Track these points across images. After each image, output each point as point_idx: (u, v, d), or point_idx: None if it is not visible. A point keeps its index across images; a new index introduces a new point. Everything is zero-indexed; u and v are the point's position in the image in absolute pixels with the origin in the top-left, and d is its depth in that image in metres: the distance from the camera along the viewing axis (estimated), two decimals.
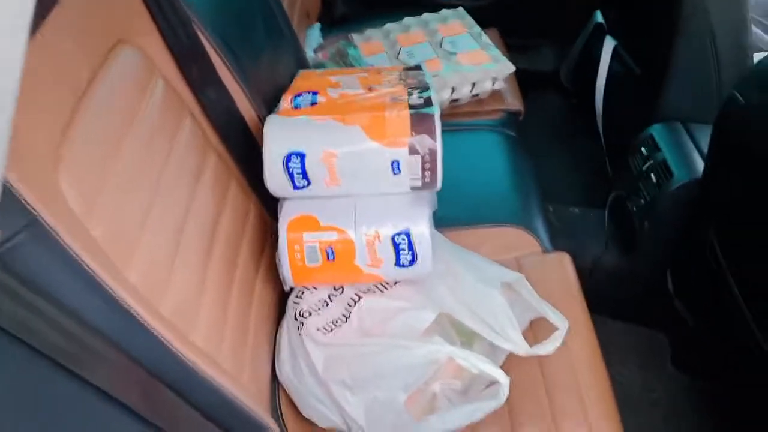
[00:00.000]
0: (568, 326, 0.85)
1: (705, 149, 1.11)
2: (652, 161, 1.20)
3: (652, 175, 1.19)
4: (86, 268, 0.46)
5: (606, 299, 1.17)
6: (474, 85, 1.32)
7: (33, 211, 0.43)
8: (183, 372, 0.56)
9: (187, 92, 0.75)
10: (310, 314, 0.83)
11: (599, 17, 1.56)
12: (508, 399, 0.74)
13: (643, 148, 1.24)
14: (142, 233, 0.59)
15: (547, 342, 0.81)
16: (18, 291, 0.40)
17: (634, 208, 1.24)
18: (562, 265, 1.03)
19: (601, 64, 1.44)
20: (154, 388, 0.53)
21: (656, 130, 1.23)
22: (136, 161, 0.61)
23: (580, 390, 0.87)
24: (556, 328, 0.85)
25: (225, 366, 0.66)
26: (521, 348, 0.79)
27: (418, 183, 0.79)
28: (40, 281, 0.42)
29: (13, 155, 0.27)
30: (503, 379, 0.71)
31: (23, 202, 0.42)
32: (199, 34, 0.77)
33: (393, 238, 0.78)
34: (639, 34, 1.38)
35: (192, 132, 0.74)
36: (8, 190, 0.40)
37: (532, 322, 0.91)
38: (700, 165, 1.13)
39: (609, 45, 1.44)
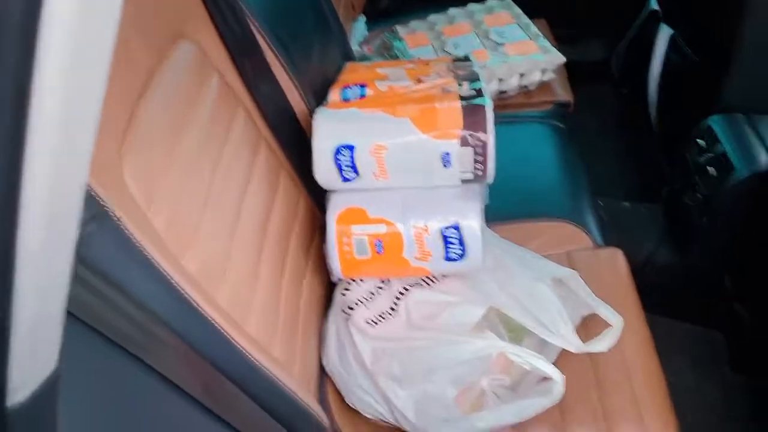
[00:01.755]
0: (623, 324, 0.82)
1: None
2: (710, 154, 1.15)
3: (711, 168, 1.14)
4: (148, 257, 0.47)
5: (659, 297, 1.13)
6: (522, 76, 1.30)
7: (101, 202, 0.44)
8: (238, 360, 0.57)
9: (240, 86, 0.76)
10: (357, 306, 0.83)
11: (654, 4, 1.50)
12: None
13: (700, 140, 1.19)
14: (199, 224, 0.60)
15: (601, 339, 0.79)
16: (88, 279, 0.41)
17: (691, 203, 1.19)
18: (615, 260, 1.00)
19: (655, 52, 1.39)
20: (213, 377, 0.54)
21: (715, 122, 1.17)
22: (194, 153, 0.63)
23: (634, 390, 0.84)
24: (609, 326, 0.82)
25: (278, 356, 0.66)
26: (573, 345, 0.77)
27: (470, 175, 0.78)
28: (108, 270, 0.43)
29: None
30: (558, 376, 0.70)
31: (92, 193, 0.43)
32: (252, 28, 0.78)
33: (443, 232, 0.78)
34: (699, 20, 1.32)
35: (245, 125, 0.75)
36: None
37: (583, 319, 0.89)
38: (763, 158, 1.07)
39: (665, 33, 1.38)
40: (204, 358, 0.52)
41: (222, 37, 0.73)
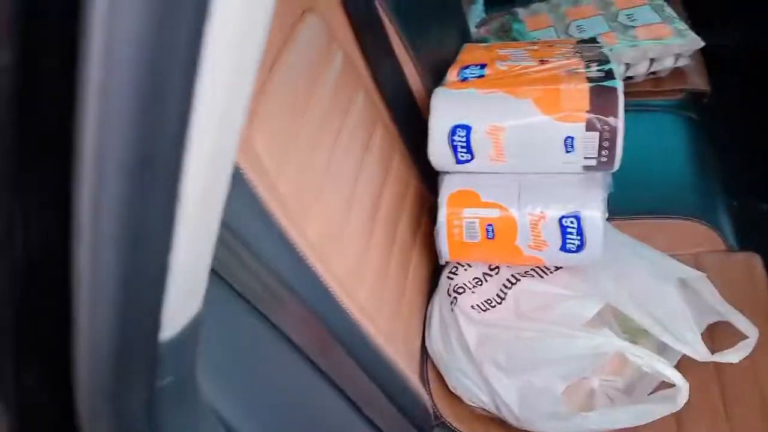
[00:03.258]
0: (758, 336, 0.74)
1: None
2: None
3: None
4: (275, 219, 0.49)
5: None
6: (652, 61, 1.20)
7: (237, 165, 0.46)
8: (351, 328, 0.58)
9: (362, 62, 0.77)
10: (464, 291, 0.82)
11: None
12: None
13: None
14: (320, 194, 0.61)
15: (733, 350, 0.72)
16: (224, 236, 0.44)
17: None
18: (751, 266, 0.91)
19: None
20: (327, 341, 0.55)
21: None
22: (316, 127, 0.64)
23: (766, 408, 0.76)
24: (736, 336, 0.75)
25: (384, 328, 0.67)
26: (700, 353, 0.71)
27: (593, 162, 0.74)
28: (239, 228, 0.46)
29: None
30: (682, 383, 0.65)
31: None
32: (377, 5, 0.78)
33: (560, 221, 0.74)
34: None
35: (365, 102, 0.76)
36: None
37: (709, 327, 0.82)
38: None
39: None
40: (319, 320, 0.54)
41: (348, 13, 0.74)
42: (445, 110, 0.78)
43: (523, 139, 0.75)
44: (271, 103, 0.58)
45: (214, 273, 0.44)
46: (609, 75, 0.76)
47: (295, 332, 0.52)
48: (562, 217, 0.74)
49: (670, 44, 1.19)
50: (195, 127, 0.22)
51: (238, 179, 0.46)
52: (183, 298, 0.28)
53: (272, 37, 0.61)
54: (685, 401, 0.65)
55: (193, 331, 0.30)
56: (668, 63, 1.21)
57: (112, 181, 0.22)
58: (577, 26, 1.27)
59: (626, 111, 1.17)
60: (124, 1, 0.19)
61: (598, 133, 0.72)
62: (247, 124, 0.54)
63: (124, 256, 0.24)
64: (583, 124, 0.72)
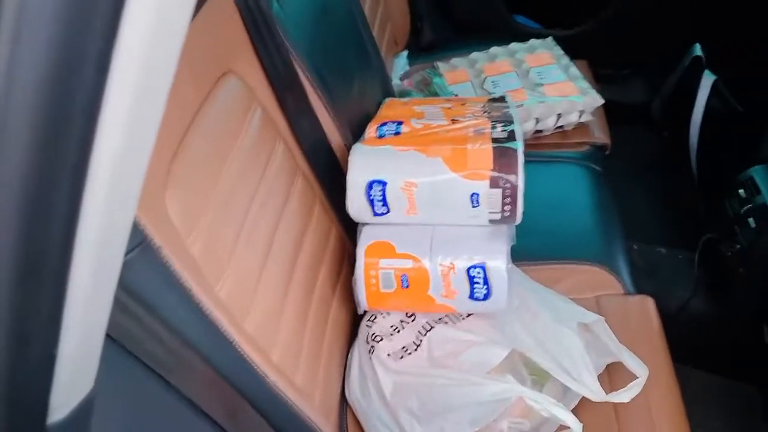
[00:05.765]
0: (648, 374, 0.81)
1: None
2: (750, 204, 1.13)
3: (750, 219, 1.12)
4: (184, 283, 0.50)
5: (691, 348, 1.11)
6: (559, 116, 1.30)
7: (143, 230, 0.47)
8: (262, 389, 0.59)
9: (282, 120, 0.80)
10: (381, 339, 0.84)
11: (698, 50, 1.49)
12: None
13: (741, 190, 1.17)
14: (233, 251, 0.63)
15: (625, 390, 0.78)
16: (124, 302, 0.44)
17: (729, 253, 1.16)
18: (645, 308, 0.98)
19: (698, 99, 1.38)
20: (237, 403, 0.56)
21: (757, 172, 1.15)
22: (234, 183, 0.66)
23: None
24: (635, 375, 0.81)
25: (300, 384, 0.68)
26: (595, 394, 0.77)
27: (497, 216, 0.79)
28: (144, 294, 0.46)
29: None
30: (575, 425, 0.69)
31: (136, 221, 0.47)
32: (296, 65, 0.82)
33: (468, 271, 0.79)
34: (743, 70, 1.31)
35: (284, 156, 0.78)
36: None
37: (609, 367, 0.88)
38: None
39: (708, 80, 1.37)
40: (229, 384, 0.54)
41: (266, 73, 0.77)
42: (363, 166, 0.82)
43: (433, 195, 0.80)
44: (186, 163, 0.59)
45: (114, 341, 0.44)
46: (511, 136, 0.82)
47: (201, 396, 0.52)
48: (470, 267, 0.78)
49: (574, 101, 1.29)
50: (81, 226, 0.24)
51: (144, 244, 0.47)
52: (73, 380, 0.29)
53: (190, 100, 0.63)
54: None
55: (85, 410, 0.31)
56: (573, 118, 1.31)
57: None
58: (492, 81, 1.36)
59: (535, 162, 1.26)
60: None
61: (500, 190, 0.77)
62: (160, 184, 0.55)
63: (9, 352, 0.25)
64: (487, 182, 0.77)
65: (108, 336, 0.44)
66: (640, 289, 1.04)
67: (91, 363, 0.30)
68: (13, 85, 0.20)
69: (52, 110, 0.21)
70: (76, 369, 0.29)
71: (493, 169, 0.78)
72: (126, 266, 0.45)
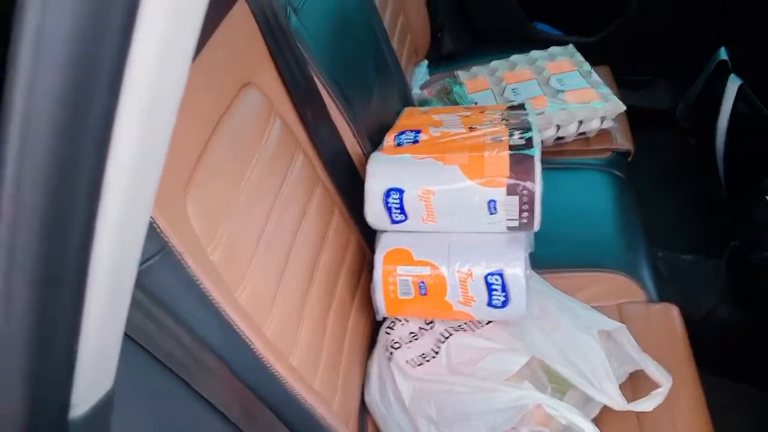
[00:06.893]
0: (673, 383, 0.80)
1: None
2: None
3: None
4: (204, 290, 0.52)
5: (716, 356, 1.08)
6: (581, 123, 1.30)
7: (165, 237, 0.49)
8: (279, 391, 0.60)
9: (301, 130, 0.82)
10: (400, 346, 0.85)
11: (723, 54, 1.47)
12: None
13: None
14: (253, 259, 0.64)
15: (647, 399, 0.77)
16: (146, 305, 0.46)
17: (757, 260, 1.14)
18: (669, 317, 0.97)
19: (723, 103, 1.36)
20: (253, 404, 0.57)
21: None
22: (254, 192, 0.67)
23: None
24: (659, 385, 0.80)
25: (318, 389, 0.69)
26: (617, 402, 0.76)
27: (515, 224, 0.79)
28: (165, 298, 0.48)
29: None
30: None
31: (158, 229, 0.48)
32: (314, 77, 0.84)
33: (486, 278, 0.79)
34: None
35: (303, 166, 0.80)
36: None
37: (632, 375, 0.87)
38: None
39: (734, 84, 1.35)
40: (245, 385, 0.56)
41: (286, 85, 0.79)
42: (381, 174, 0.83)
43: (451, 202, 0.81)
44: (207, 171, 0.61)
45: (135, 342, 0.46)
46: (528, 143, 0.82)
47: (219, 397, 0.53)
48: (488, 274, 0.78)
49: (595, 108, 1.29)
50: (98, 231, 0.25)
51: (166, 251, 0.49)
52: (93, 378, 0.31)
53: (210, 111, 0.65)
54: None
55: (105, 406, 0.33)
56: (595, 125, 1.30)
57: (19, 293, 0.25)
58: (512, 89, 1.36)
59: (557, 169, 1.25)
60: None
61: (517, 197, 0.78)
62: (181, 193, 0.57)
63: (31, 351, 0.26)
64: (504, 189, 0.78)
65: (129, 337, 0.46)
66: (664, 297, 1.02)
67: (110, 361, 0.32)
68: (35, 95, 0.22)
69: (69, 121, 0.22)
70: (95, 366, 0.30)
71: (510, 177, 0.78)
72: (147, 271, 0.47)
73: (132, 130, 0.24)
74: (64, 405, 0.29)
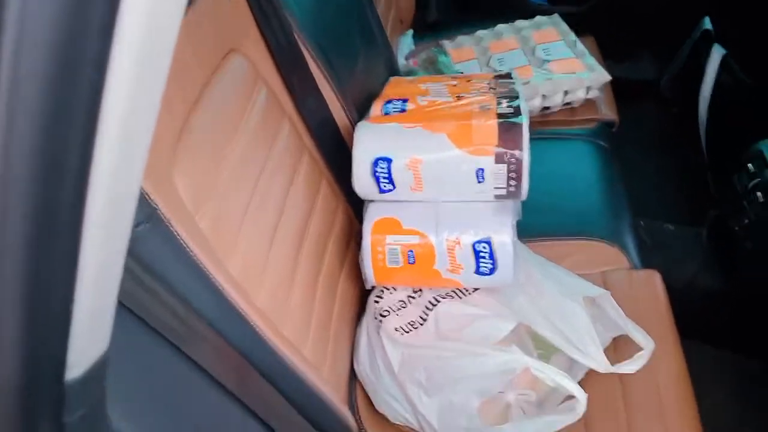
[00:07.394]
0: (654, 347, 0.82)
1: None
2: (759, 179, 1.12)
3: (759, 194, 1.11)
4: (193, 256, 0.51)
5: (698, 323, 1.11)
6: (566, 93, 1.30)
7: (153, 204, 0.48)
8: (272, 359, 0.60)
9: (287, 99, 0.81)
10: (389, 314, 0.85)
11: (707, 24, 1.47)
12: (585, 416, 0.73)
13: (750, 165, 1.16)
14: (241, 227, 0.64)
15: (630, 361, 0.79)
16: (138, 273, 0.46)
17: (737, 228, 1.16)
18: (652, 283, 0.99)
19: (707, 73, 1.37)
20: (248, 372, 0.57)
21: (766, 146, 1.14)
22: (240, 161, 0.67)
23: (664, 415, 0.83)
24: (641, 349, 0.82)
25: (308, 356, 0.70)
26: (601, 365, 0.78)
27: (503, 192, 0.80)
28: (156, 266, 0.48)
29: None
30: (580, 395, 0.70)
31: (146, 196, 0.48)
32: (300, 43, 0.82)
33: (474, 246, 0.79)
34: (753, 43, 1.29)
35: (290, 135, 0.79)
36: None
37: (615, 340, 0.89)
38: None
39: (717, 53, 1.36)
40: (239, 353, 0.56)
41: (271, 52, 0.78)
42: (368, 143, 0.83)
43: (439, 171, 0.81)
44: (193, 140, 0.60)
45: (128, 310, 0.46)
46: (516, 111, 0.82)
47: (212, 364, 0.54)
48: (475, 242, 0.79)
49: (581, 78, 1.29)
50: (92, 182, 0.25)
51: (154, 218, 0.48)
52: (88, 340, 0.31)
53: (194, 78, 0.64)
54: (583, 411, 0.71)
55: (100, 369, 0.33)
56: (580, 94, 1.31)
57: (13, 251, 0.24)
58: (498, 59, 1.35)
59: (543, 139, 1.26)
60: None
61: (506, 165, 0.78)
62: (167, 161, 0.56)
63: (26, 311, 0.26)
64: (492, 157, 0.78)
65: (122, 305, 0.45)
66: (647, 265, 1.04)
67: (105, 323, 0.32)
68: (23, 49, 0.21)
69: (60, 73, 0.22)
70: (90, 329, 0.30)
71: (498, 145, 0.78)
72: (138, 239, 0.46)
73: (126, 74, 0.23)
74: (60, 367, 0.29)
